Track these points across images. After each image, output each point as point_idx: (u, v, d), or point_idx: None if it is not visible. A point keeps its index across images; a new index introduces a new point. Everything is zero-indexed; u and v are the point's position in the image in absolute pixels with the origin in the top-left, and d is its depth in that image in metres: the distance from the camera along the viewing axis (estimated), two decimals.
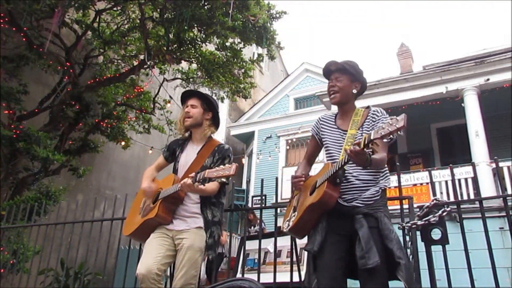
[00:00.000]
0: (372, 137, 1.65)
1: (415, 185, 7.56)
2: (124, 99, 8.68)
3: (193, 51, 8.00)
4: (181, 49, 7.76)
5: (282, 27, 31.90)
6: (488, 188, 6.48)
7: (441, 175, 7.24)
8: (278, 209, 3.09)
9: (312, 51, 64.36)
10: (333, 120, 2.25)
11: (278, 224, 2.55)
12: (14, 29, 6.55)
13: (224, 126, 13.10)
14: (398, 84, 8.49)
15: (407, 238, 2.27)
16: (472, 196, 6.62)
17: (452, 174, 2.53)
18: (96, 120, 8.18)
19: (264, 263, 5.10)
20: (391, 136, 1.60)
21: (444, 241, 2.22)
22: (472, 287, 2.18)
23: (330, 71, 2.22)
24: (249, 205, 8.28)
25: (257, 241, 3.00)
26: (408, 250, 2.20)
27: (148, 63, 7.53)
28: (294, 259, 2.80)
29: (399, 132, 1.58)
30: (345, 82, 2.16)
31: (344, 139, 2.10)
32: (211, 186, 2.33)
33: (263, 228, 6.45)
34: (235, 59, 8.21)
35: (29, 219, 4.58)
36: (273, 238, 3.05)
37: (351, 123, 2.12)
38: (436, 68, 8.91)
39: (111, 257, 6.40)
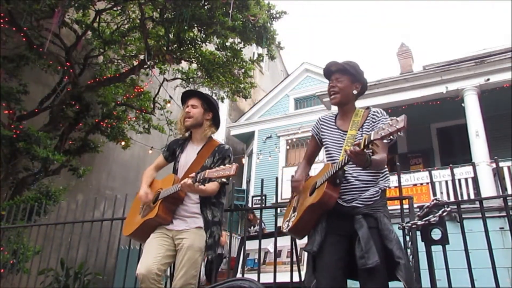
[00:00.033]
0: (372, 138, 1.65)
1: (415, 185, 7.56)
2: (124, 99, 8.68)
3: (193, 51, 8.00)
4: (181, 49, 7.76)
5: (282, 27, 31.95)
6: (488, 188, 6.48)
7: (441, 175, 7.24)
8: (278, 209, 3.09)
9: (312, 51, 64.42)
10: (333, 120, 2.25)
11: (278, 224, 2.54)
12: (14, 29, 6.55)
13: (224, 126, 13.10)
14: (398, 84, 8.49)
15: (407, 238, 2.27)
16: (472, 196, 6.62)
17: (452, 174, 2.53)
18: (96, 120, 8.18)
19: (264, 263, 5.10)
20: (391, 137, 1.60)
21: (444, 241, 2.22)
22: (472, 287, 2.18)
23: (330, 71, 2.21)
24: (249, 205, 8.28)
25: (257, 241, 3.00)
26: (408, 250, 2.20)
27: (148, 63, 7.53)
28: (294, 259, 2.80)
29: (399, 133, 1.58)
30: (345, 82, 2.15)
31: (344, 139, 2.09)
32: (211, 186, 2.33)
33: (263, 228, 6.45)
34: (235, 59, 8.21)
35: (29, 219, 4.57)
36: (273, 238, 3.05)
37: (351, 123, 2.11)
38: (436, 68, 8.91)
39: (111, 257, 6.40)
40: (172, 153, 2.68)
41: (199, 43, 7.83)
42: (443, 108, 8.58)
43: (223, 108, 13.02)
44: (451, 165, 2.94)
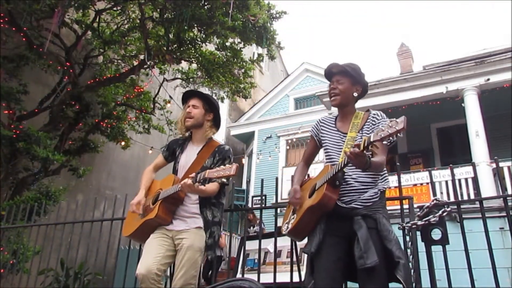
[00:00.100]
0: (372, 139, 1.65)
1: (415, 185, 7.56)
2: (124, 99, 8.67)
3: (193, 51, 8.00)
4: (181, 49, 7.76)
5: (282, 27, 31.93)
6: (488, 188, 6.48)
7: (441, 175, 7.23)
8: (278, 209, 3.09)
9: (312, 51, 64.40)
10: (333, 122, 2.25)
11: (278, 224, 2.55)
12: (14, 29, 6.55)
13: (224, 126, 13.10)
14: (398, 84, 8.49)
15: (407, 238, 2.27)
16: (472, 196, 6.62)
17: (452, 174, 2.53)
18: (96, 120, 8.18)
19: (264, 263, 5.10)
20: (390, 138, 1.60)
21: (444, 241, 2.22)
22: (472, 287, 2.18)
23: (331, 73, 2.21)
24: (249, 205, 8.28)
25: (257, 241, 3.00)
26: (408, 250, 2.19)
27: (148, 63, 7.53)
28: (294, 259, 2.80)
29: (398, 134, 1.58)
30: (346, 85, 2.15)
31: (344, 141, 2.10)
32: (211, 186, 2.33)
33: (263, 228, 6.44)
34: (235, 59, 8.21)
35: (29, 219, 4.57)
36: (273, 238, 3.05)
37: (351, 125, 2.12)
38: (436, 68, 8.91)
39: (111, 257, 6.40)
40: (171, 153, 2.68)
41: (199, 43, 7.83)
42: (443, 108, 8.58)
43: (223, 108, 13.01)
44: (451, 165, 2.94)
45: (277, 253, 3.70)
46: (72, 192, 7.52)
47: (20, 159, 6.52)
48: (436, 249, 2.24)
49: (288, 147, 12.28)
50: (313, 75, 12.91)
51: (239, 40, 7.74)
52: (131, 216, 2.63)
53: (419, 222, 2.24)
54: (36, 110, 7.30)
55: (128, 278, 3.12)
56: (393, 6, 69.38)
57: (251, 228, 7.71)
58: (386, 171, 2.09)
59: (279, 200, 3.23)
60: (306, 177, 2.32)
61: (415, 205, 2.44)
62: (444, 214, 2.24)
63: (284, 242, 4.04)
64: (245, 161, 13.11)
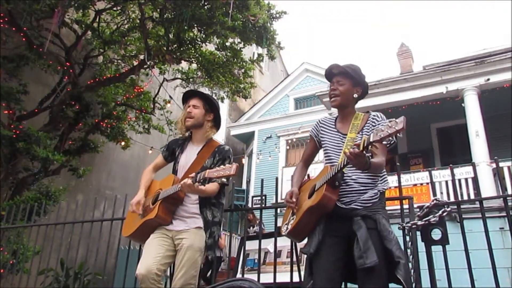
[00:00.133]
0: (371, 139, 1.65)
1: (415, 185, 7.56)
2: (124, 99, 8.67)
3: (193, 51, 8.00)
4: (181, 49, 7.76)
5: (282, 27, 31.91)
6: (488, 188, 6.48)
7: (441, 175, 7.23)
8: (278, 209, 3.09)
9: (312, 51, 64.40)
10: (333, 123, 2.25)
11: (278, 224, 2.54)
12: (14, 29, 6.54)
13: (224, 126, 13.10)
14: (398, 84, 8.49)
15: (407, 238, 2.27)
16: (472, 196, 6.62)
17: (452, 174, 2.53)
18: (96, 120, 8.18)
19: (264, 263, 5.10)
20: (390, 138, 1.60)
21: (444, 241, 2.22)
22: (472, 287, 2.18)
23: (332, 74, 2.21)
24: (249, 205, 8.28)
25: (257, 241, 3.00)
26: (408, 250, 2.19)
27: (148, 63, 7.53)
28: (294, 259, 2.80)
29: (398, 135, 1.58)
30: (346, 86, 2.15)
31: (343, 142, 2.09)
32: (211, 186, 2.33)
33: (263, 228, 6.45)
34: (235, 59, 8.21)
35: (29, 219, 4.57)
36: (273, 238, 3.05)
37: (351, 126, 2.12)
38: (436, 68, 8.91)
39: (111, 257, 6.40)
40: (171, 153, 2.68)
41: (199, 43, 7.83)
42: (443, 108, 8.58)
43: (223, 108, 13.01)
44: (451, 165, 2.94)
45: (277, 253, 3.70)
46: (72, 192, 7.52)
47: (20, 159, 6.52)
48: (436, 249, 2.24)
49: (288, 147, 12.28)
50: (313, 75, 12.91)
51: (239, 40, 7.74)
52: (130, 217, 2.62)
53: (419, 222, 2.24)
54: (36, 110, 7.30)
55: (128, 278, 3.12)
56: (393, 6, 69.42)
57: (251, 228, 7.71)
58: (385, 172, 2.09)
59: (279, 200, 3.23)
60: (306, 178, 2.32)
61: (415, 205, 2.44)
62: (444, 214, 2.24)
63: (284, 242, 4.04)
64: (245, 161, 13.11)
